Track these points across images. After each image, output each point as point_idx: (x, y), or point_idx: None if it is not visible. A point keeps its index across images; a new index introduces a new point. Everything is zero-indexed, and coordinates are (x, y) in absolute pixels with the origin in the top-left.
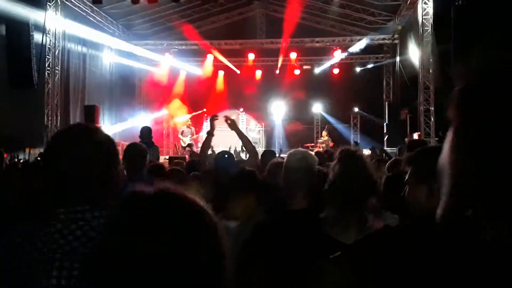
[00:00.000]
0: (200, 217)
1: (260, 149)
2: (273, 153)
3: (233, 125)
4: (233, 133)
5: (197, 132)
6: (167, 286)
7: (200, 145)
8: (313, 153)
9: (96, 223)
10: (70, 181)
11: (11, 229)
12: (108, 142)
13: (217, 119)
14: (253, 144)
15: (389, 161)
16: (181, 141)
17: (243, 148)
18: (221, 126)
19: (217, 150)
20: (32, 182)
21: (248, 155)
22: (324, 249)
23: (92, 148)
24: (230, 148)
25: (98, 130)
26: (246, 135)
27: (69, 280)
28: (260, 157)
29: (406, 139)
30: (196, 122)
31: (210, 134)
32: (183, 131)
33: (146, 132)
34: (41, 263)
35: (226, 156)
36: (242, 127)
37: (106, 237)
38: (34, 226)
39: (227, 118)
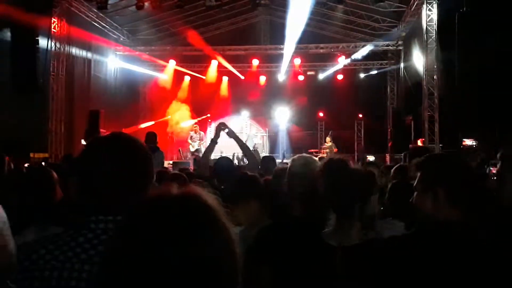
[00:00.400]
0: (217, 221)
1: (264, 155)
2: (273, 159)
3: (231, 133)
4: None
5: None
6: None
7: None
8: (317, 159)
9: None
10: (108, 191)
11: (42, 234)
12: (147, 157)
13: (224, 128)
14: (256, 150)
15: (394, 168)
16: (190, 146)
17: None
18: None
19: (219, 156)
20: (37, 186)
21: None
22: (325, 254)
23: (131, 162)
24: (234, 155)
25: (137, 142)
26: (245, 143)
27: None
28: (261, 163)
29: (410, 146)
30: (200, 128)
31: (213, 141)
32: (191, 136)
33: (151, 137)
34: (70, 271)
35: (225, 161)
36: (245, 132)
37: (124, 240)
38: (66, 234)
39: (225, 127)
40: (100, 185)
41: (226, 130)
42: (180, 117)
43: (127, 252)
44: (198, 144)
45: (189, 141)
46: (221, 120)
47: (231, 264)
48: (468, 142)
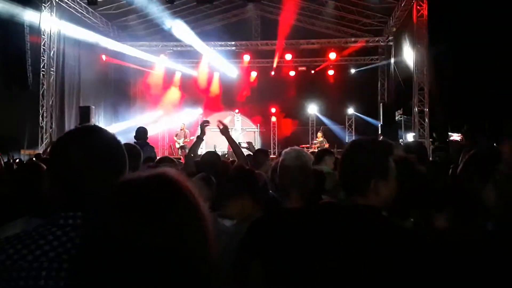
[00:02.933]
0: (189, 202)
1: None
2: (266, 152)
3: (224, 131)
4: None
5: (192, 134)
6: (153, 267)
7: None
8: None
9: None
10: (77, 184)
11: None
12: (118, 146)
13: (207, 125)
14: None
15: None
16: (176, 143)
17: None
18: (215, 128)
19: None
20: (26, 183)
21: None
22: (318, 246)
23: (101, 154)
24: (226, 153)
25: (110, 135)
26: (236, 142)
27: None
28: (252, 157)
29: (400, 140)
30: (192, 124)
31: (199, 138)
32: (177, 134)
33: (141, 133)
34: (38, 270)
35: (209, 156)
36: (237, 128)
37: (98, 223)
38: (35, 232)
39: (220, 123)
40: (69, 179)
41: (221, 126)
42: (171, 113)
43: (101, 235)
44: (182, 141)
45: (175, 138)
46: (213, 116)
47: (203, 241)
48: (456, 137)
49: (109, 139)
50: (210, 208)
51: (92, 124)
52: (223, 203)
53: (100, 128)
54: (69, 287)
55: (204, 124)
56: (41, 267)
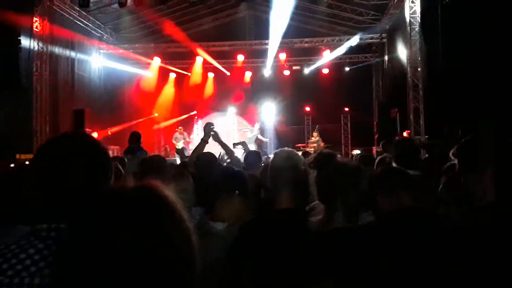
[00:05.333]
0: (173, 213)
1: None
2: (257, 154)
3: (216, 136)
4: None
5: (189, 135)
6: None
7: (191, 146)
8: (299, 153)
9: None
10: (59, 196)
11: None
12: (103, 154)
13: (213, 128)
14: (244, 142)
15: (377, 159)
16: (176, 146)
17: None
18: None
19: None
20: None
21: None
22: (309, 247)
23: (81, 161)
24: (220, 154)
25: (90, 140)
26: (229, 145)
27: None
28: (243, 159)
29: (396, 138)
30: (187, 125)
31: (203, 141)
32: (176, 137)
33: (135, 138)
34: (19, 286)
35: (206, 156)
36: (233, 128)
37: (81, 233)
38: (16, 244)
39: (213, 127)
40: (52, 186)
41: (212, 133)
42: (166, 114)
43: (84, 244)
44: (182, 143)
45: (174, 141)
46: (208, 117)
47: (187, 255)
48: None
49: (95, 147)
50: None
51: (79, 130)
52: (214, 206)
53: (86, 135)
54: None
55: (210, 128)
56: (22, 283)
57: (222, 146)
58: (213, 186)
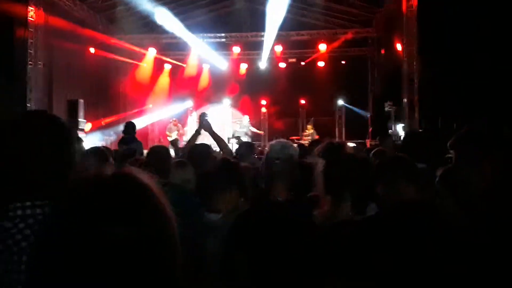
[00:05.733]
0: (152, 200)
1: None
2: (251, 145)
3: (207, 126)
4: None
5: (183, 127)
6: (114, 269)
7: (184, 138)
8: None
9: None
10: (25, 174)
11: None
12: (64, 130)
13: (206, 118)
14: (243, 139)
15: (373, 151)
16: (168, 137)
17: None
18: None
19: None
20: None
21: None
22: (304, 238)
23: (45, 137)
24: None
25: (50, 117)
26: (221, 136)
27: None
28: (236, 150)
29: (390, 131)
30: (182, 116)
31: (197, 131)
32: (170, 128)
33: (130, 128)
34: (6, 264)
35: (201, 147)
36: (228, 120)
37: (58, 222)
38: None
39: (207, 116)
40: (17, 168)
41: (206, 118)
42: (161, 106)
43: (60, 234)
44: (176, 134)
45: (167, 132)
46: (202, 109)
47: (167, 244)
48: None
49: (55, 128)
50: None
51: (39, 109)
52: (209, 197)
53: (46, 114)
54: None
55: (204, 118)
56: (11, 260)
57: (213, 138)
58: (210, 177)
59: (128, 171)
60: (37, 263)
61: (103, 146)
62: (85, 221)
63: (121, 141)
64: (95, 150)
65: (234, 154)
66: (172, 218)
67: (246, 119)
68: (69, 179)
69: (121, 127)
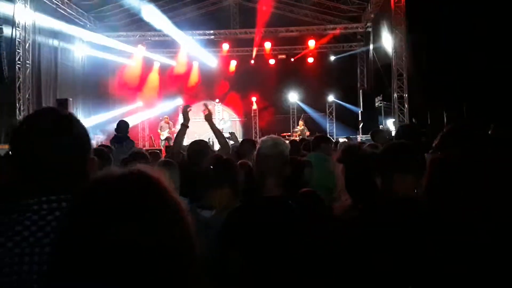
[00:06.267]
0: (165, 198)
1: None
2: (252, 142)
3: (208, 117)
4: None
5: (174, 125)
6: (133, 269)
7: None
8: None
9: None
10: (44, 169)
11: None
12: (82, 129)
13: (190, 110)
14: (233, 133)
15: (366, 146)
16: (160, 135)
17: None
18: (199, 117)
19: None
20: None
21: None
22: (293, 233)
23: (66, 134)
24: (209, 139)
25: (71, 116)
26: (219, 128)
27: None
28: (239, 146)
29: (381, 126)
30: (172, 114)
31: (184, 125)
32: (161, 126)
33: (122, 126)
34: (20, 256)
35: (197, 145)
36: (217, 118)
37: (72, 222)
38: (8, 220)
39: (205, 108)
40: (33, 164)
41: (206, 111)
42: (151, 104)
43: (77, 232)
44: (167, 132)
45: (159, 130)
46: (192, 106)
47: (182, 238)
48: None
49: (71, 124)
50: (191, 199)
51: (48, 108)
52: (202, 194)
53: (60, 112)
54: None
55: (187, 110)
56: (23, 253)
57: (212, 128)
58: (202, 174)
59: (139, 169)
60: (56, 260)
61: (102, 145)
62: (102, 219)
63: (114, 139)
64: (98, 151)
65: (235, 150)
66: (186, 214)
67: (226, 115)
68: (87, 175)
69: (110, 126)
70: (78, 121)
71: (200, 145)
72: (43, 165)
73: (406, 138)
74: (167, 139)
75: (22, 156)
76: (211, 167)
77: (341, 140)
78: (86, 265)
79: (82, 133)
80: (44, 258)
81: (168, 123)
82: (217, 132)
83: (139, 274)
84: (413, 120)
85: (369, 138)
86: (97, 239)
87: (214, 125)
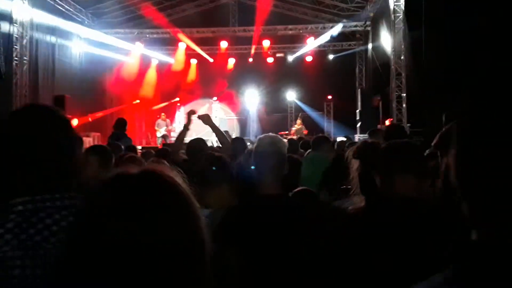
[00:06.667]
0: (181, 198)
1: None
2: (243, 140)
3: (207, 120)
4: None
5: (171, 122)
6: (148, 269)
7: (173, 134)
8: (285, 140)
9: (67, 212)
10: (34, 168)
11: None
12: (68, 124)
13: (194, 114)
14: (226, 131)
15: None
16: (157, 132)
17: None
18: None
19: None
20: None
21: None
22: (292, 232)
23: (54, 130)
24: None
25: (58, 111)
26: (220, 129)
27: (43, 269)
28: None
29: (378, 126)
30: (169, 112)
31: (186, 128)
32: (158, 123)
33: (120, 124)
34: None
35: (196, 143)
36: (215, 115)
37: (85, 221)
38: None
39: (195, 113)
40: (19, 164)
41: (197, 115)
42: (148, 101)
43: (89, 233)
44: (164, 129)
45: (156, 128)
46: (190, 104)
47: (195, 239)
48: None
49: (55, 121)
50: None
51: (38, 103)
52: (199, 193)
53: (44, 106)
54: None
55: (191, 114)
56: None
57: (213, 130)
58: (199, 174)
59: (153, 168)
60: (68, 259)
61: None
62: (114, 218)
63: (111, 137)
64: (100, 150)
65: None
66: (199, 213)
67: (222, 113)
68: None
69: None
70: (64, 116)
71: (199, 143)
72: (29, 164)
73: (394, 138)
74: (164, 136)
75: (8, 155)
76: (208, 166)
77: (339, 139)
78: (103, 264)
79: (70, 129)
80: (40, 253)
81: (165, 120)
82: (219, 133)
83: (154, 273)
84: (410, 120)
85: (367, 137)
86: (111, 238)
87: (215, 125)
